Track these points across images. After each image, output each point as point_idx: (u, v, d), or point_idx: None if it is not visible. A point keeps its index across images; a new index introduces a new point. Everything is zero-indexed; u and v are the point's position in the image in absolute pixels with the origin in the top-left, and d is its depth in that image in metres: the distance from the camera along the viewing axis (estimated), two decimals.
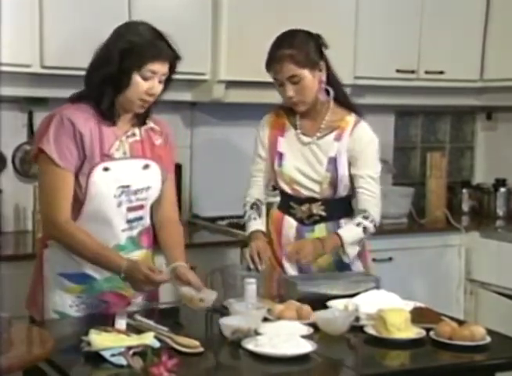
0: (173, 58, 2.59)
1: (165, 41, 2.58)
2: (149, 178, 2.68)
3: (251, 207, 3.09)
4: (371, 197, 2.97)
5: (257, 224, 3.05)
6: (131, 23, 2.65)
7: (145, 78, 2.55)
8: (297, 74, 2.90)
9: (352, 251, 2.95)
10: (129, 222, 2.65)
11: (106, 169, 2.56)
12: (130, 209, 2.64)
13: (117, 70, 2.52)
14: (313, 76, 2.93)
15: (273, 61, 2.92)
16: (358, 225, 2.95)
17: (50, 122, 2.54)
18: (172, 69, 2.61)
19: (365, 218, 2.95)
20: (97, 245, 2.55)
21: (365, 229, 2.95)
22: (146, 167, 2.66)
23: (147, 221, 2.74)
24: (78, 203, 2.57)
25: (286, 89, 2.92)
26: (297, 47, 2.90)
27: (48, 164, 2.53)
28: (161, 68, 2.56)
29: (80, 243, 2.54)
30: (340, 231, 2.95)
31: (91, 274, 2.63)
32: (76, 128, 2.52)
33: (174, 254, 2.69)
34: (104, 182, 2.57)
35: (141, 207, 2.67)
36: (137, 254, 2.66)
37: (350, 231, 2.95)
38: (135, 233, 2.68)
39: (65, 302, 2.63)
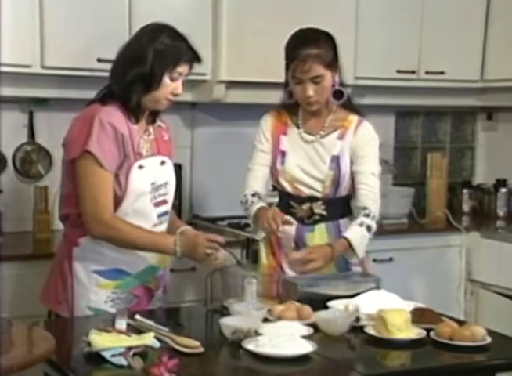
0: (195, 59, 2.70)
1: (187, 43, 2.68)
2: (167, 174, 2.78)
3: (253, 195, 3.02)
4: (370, 193, 2.96)
5: (262, 204, 2.98)
6: (160, 24, 2.69)
7: (172, 79, 2.64)
8: (321, 75, 2.89)
9: (361, 251, 2.94)
10: (159, 216, 2.74)
11: (140, 167, 2.66)
12: (156, 204, 2.73)
13: (149, 70, 2.60)
14: (332, 77, 2.94)
15: (298, 60, 2.88)
16: (361, 225, 2.92)
17: (91, 126, 2.58)
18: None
19: (367, 215, 2.93)
20: (147, 233, 2.66)
21: (368, 227, 2.92)
22: (163, 163, 2.77)
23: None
24: (116, 201, 2.64)
25: (307, 88, 2.91)
26: (324, 47, 2.90)
27: (94, 164, 2.59)
28: (186, 69, 2.68)
29: (130, 234, 2.62)
30: (346, 235, 2.91)
31: (125, 269, 2.71)
32: (118, 130, 2.60)
33: (177, 224, 2.85)
34: (140, 180, 2.66)
35: (164, 202, 2.76)
36: None
37: (356, 233, 2.91)
38: (163, 227, 2.78)
39: (100, 299, 2.68)
